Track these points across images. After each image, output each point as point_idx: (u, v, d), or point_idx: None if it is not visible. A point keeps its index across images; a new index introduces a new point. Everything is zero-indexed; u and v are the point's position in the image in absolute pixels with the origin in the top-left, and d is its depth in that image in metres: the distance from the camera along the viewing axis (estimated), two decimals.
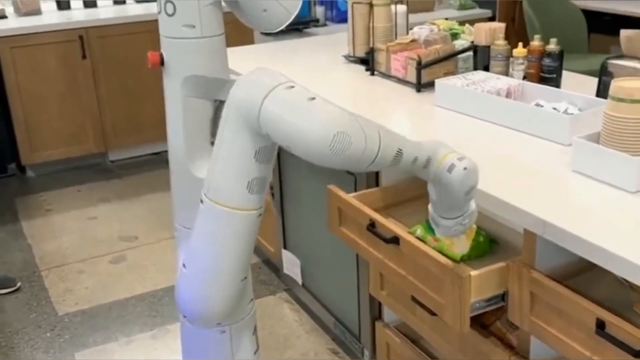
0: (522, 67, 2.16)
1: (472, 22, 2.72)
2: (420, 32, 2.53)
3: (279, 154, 2.06)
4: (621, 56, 1.96)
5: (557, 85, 2.12)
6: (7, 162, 4.26)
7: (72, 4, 4.45)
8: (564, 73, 2.18)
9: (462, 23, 2.64)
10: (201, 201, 1.48)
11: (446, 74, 2.31)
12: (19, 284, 3.04)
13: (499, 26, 2.27)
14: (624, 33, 1.96)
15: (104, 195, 3.99)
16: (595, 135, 1.59)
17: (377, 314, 2.20)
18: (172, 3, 1.53)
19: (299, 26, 4.03)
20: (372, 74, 2.58)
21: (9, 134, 4.10)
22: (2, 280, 3.03)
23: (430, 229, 1.61)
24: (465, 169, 1.28)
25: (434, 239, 1.62)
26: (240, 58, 2.94)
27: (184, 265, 1.59)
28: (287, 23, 1.63)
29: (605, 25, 4.53)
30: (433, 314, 1.65)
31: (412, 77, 2.36)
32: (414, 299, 1.72)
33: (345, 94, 2.45)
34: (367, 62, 2.61)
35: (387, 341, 2.14)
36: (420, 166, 1.30)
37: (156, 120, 4.13)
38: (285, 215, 2.72)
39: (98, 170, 4.38)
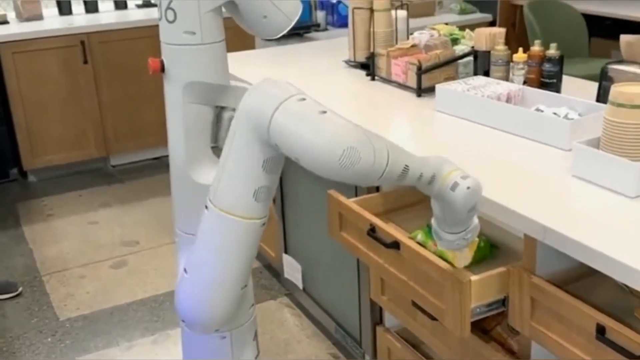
0: (523, 72, 2.17)
1: (472, 26, 2.72)
2: (420, 37, 2.54)
3: None
4: (621, 61, 1.96)
5: (558, 90, 2.12)
6: (8, 167, 4.26)
7: (74, 9, 4.46)
8: (565, 78, 2.19)
9: (462, 28, 2.65)
10: (206, 207, 1.48)
11: (447, 79, 2.32)
12: (20, 289, 3.04)
13: (499, 31, 2.28)
14: (624, 38, 1.97)
15: (105, 200, 3.99)
16: (595, 141, 1.59)
17: (378, 319, 2.20)
18: (173, 10, 1.53)
19: (300, 31, 4.04)
20: (373, 79, 2.59)
21: (10, 138, 4.11)
22: (3, 285, 3.03)
23: (431, 234, 1.61)
24: (468, 188, 1.29)
25: (435, 243, 1.62)
26: (241, 63, 2.95)
27: (185, 270, 1.59)
28: (287, 29, 1.64)
29: (606, 30, 4.53)
30: (434, 319, 1.65)
31: (412, 82, 2.36)
32: (414, 304, 1.72)
33: (345, 99, 2.45)
34: (368, 67, 2.61)
35: (388, 346, 2.14)
36: (425, 182, 1.31)
37: (157, 125, 4.13)
38: (286, 220, 2.72)
39: (99, 175, 4.38)
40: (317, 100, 1.34)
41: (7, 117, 4.05)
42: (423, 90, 2.33)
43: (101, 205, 3.93)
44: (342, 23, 4.10)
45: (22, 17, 4.24)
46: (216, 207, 1.45)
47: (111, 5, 4.63)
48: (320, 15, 4.21)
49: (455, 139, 1.97)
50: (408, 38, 2.67)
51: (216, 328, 1.64)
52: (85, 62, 4.12)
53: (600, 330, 1.26)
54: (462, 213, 1.32)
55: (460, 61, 2.39)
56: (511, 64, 2.21)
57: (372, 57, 2.57)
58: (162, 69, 1.61)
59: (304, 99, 1.31)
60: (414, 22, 2.89)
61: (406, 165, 1.27)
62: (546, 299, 1.40)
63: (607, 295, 1.42)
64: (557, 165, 1.70)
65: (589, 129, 1.70)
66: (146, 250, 3.39)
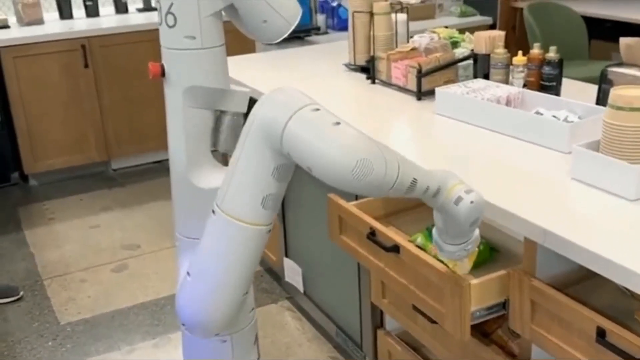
0: (522, 75, 2.17)
1: (472, 29, 2.73)
2: (420, 40, 2.54)
3: None
4: (621, 64, 1.96)
5: (557, 93, 2.12)
6: (10, 171, 4.27)
7: (75, 13, 4.47)
8: (564, 80, 2.19)
9: (462, 31, 2.65)
10: (213, 212, 1.48)
11: (446, 82, 2.32)
12: (21, 293, 3.04)
13: (499, 34, 2.28)
14: (624, 41, 1.97)
15: (106, 203, 4.00)
16: (595, 143, 1.59)
17: (378, 322, 2.20)
18: (173, 14, 1.54)
19: (301, 34, 4.04)
20: (373, 82, 2.59)
21: (11, 143, 4.12)
22: (4, 289, 3.04)
23: (430, 237, 1.61)
24: (472, 202, 1.30)
25: (435, 247, 1.62)
26: (241, 67, 2.96)
27: (188, 273, 1.59)
28: (287, 34, 1.64)
29: (606, 32, 4.53)
30: (434, 322, 1.65)
31: (412, 85, 2.36)
32: (415, 307, 1.72)
33: (346, 102, 2.46)
34: (368, 70, 2.62)
35: (388, 349, 2.14)
36: (430, 195, 1.32)
37: (158, 129, 4.13)
38: (287, 223, 2.72)
39: (100, 178, 4.39)
40: (314, 101, 1.35)
41: (8, 121, 4.06)
42: (423, 94, 2.33)
43: (102, 209, 3.93)
44: (343, 26, 4.10)
45: (23, 22, 4.25)
46: (223, 213, 1.45)
47: (112, 9, 4.64)
48: (320, 19, 4.21)
49: (455, 142, 1.97)
50: (408, 41, 2.67)
51: (216, 332, 1.64)
52: (86, 66, 4.12)
53: (601, 333, 1.26)
54: (464, 226, 1.33)
55: (460, 64, 2.40)
56: (511, 67, 2.22)
57: (372, 60, 2.57)
58: (163, 74, 1.62)
59: (318, 109, 1.32)
60: (414, 25, 2.89)
61: (414, 178, 1.28)
62: (546, 302, 1.40)
63: (607, 298, 1.42)
64: (556, 168, 1.70)
65: (589, 131, 1.70)
66: (147, 253, 3.39)
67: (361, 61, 2.73)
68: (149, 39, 4.09)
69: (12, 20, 4.31)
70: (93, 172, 4.43)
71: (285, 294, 2.95)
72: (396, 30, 2.69)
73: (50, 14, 4.43)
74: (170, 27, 1.55)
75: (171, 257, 3.30)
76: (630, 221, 1.41)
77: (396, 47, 2.64)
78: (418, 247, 1.64)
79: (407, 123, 2.22)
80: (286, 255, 2.77)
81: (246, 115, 1.46)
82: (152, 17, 4.39)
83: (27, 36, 3.99)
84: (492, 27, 4.65)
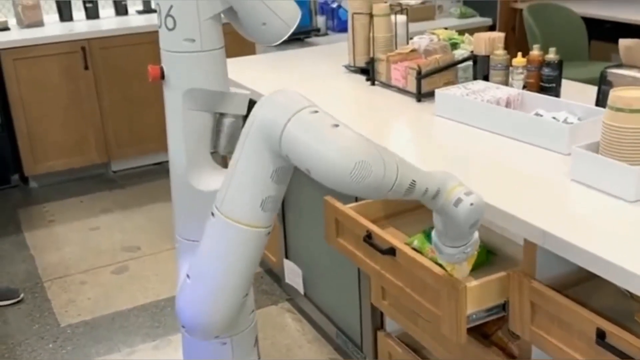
0: (522, 76, 2.17)
1: (472, 30, 2.73)
2: (420, 41, 2.54)
3: None
4: (620, 65, 1.96)
5: (557, 95, 2.12)
6: (10, 173, 4.27)
7: (75, 15, 4.47)
8: (564, 82, 2.19)
9: (462, 32, 2.65)
10: (212, 214, 1.48)
11: (446, 84, 2.32)
12: (21, 295, 3.04)
13: (498, 36, 2.28)
14: (623, 42, 1.97)
15: (106, 205, 4.00)
16: (594, 145, 1.59)
17: (379, 324, 2.20)
18: (172, 17, 1.54)
19: (300, 36, 4.05)
20: (373, 84, 2.59)
21: (11, 145, 4.12)
22: (4, 292, 3.04)
23: (428, 240, 1.61)
24: (471, 204, 1.30)
25: (432, 249, 1.62)
26: (241, 68, 2.96)
27: (188, 276, 1.59)
28: (286, 36, 1.64)
29: (606, 33, 4.54)
30: None
31: (412, 86, 2.37)
32: None
33: (345, 104, 2.46)
34: (368, 72, 2.62)
35: (389, 351, 2.14)
36: (429, 197, 1.32)
37: (158, 131, 4.11)
38: (287, 225, 2.73)
39: (100, 180, 4.39)
40: (313, 103, 1.35)
41: (8, 123, 4.06)
42: (423, 95, 2.33)
43: (102, 210, 3.93)
44: (342, 28, 4.10)
45: (23, 24, 4.25)
46: (222, 215, 1.45)
47: (112, 11, 4.65)
48: (320, 20, 4.22)
49: (455, 143, 1.97)
50: (408, 43, 2.67)
51: (217, 334, 1.64)
52: (86, 68, 4.13)
53: (601, 335, 1.26)
54: (464, 228, 1.33)
55: (459, 66, 2.40)
56: (510, 68, 2.22)
57: (371, 62, 2.58)
58: (162, 76, 1.62)
59: (316, 112, 1.32)
60: (413, 27, 2.89)
61: (413, 180, 1.28)
62: (546, 303, 1.40)
63: (607, 299, 1.42)
64: (556, 169, 1.70)
65: (588, 133, 1.70)
66: (147, 255, 3.39)
67: (361, 63, 2.73)
68: (148, 40, 4.08)
69: (12, 22, 4.31)
70: (93, 174, 4.44)
71: (286, 296, 2.95)
72: (396, 31, 2.69)
73: (50, 16, 4.43)
74: (169, 29, 1.55)
75: (171, 258, 3.29)
76: (630, 222, 1.41)
77: (396, 48, 2.64)
78: (414, 249, 1.63)
79: (407, 124, 2.22)
80: (286, 257, 2.77)
81: (246, 117, 1.46)
82: (152, 19, 4.39)
83: (27, 38, 3.99)
84: (492, 28, 4.65)
